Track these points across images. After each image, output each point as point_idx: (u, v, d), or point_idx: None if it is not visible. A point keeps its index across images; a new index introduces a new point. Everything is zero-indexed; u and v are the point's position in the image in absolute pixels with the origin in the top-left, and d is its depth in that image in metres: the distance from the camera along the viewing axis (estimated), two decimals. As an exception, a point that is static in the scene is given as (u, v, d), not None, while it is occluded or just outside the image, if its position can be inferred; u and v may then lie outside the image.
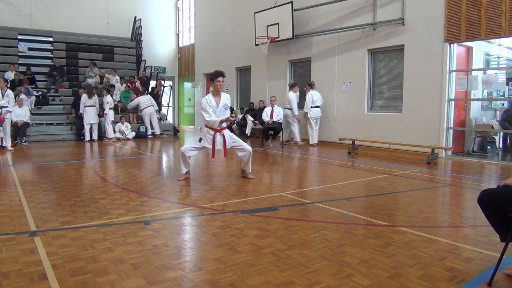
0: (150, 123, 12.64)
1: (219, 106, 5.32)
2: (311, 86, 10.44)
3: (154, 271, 2.54)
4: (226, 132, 5.50)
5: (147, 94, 13.47)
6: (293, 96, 10.30)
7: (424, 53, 8.27)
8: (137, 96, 13.18)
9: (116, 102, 12.77)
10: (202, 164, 7.61)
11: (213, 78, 5.27)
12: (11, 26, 14.35)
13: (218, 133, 5.36)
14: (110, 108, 11.45)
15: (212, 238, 3.18)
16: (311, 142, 10.31)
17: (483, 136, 8.72)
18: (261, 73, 12.90)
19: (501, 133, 8.94)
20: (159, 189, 5.01)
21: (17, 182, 5.39)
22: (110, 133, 11.49)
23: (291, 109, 10.41)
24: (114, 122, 12.24)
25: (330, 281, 2.41)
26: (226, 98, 5.44)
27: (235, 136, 5.67)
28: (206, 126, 5.42)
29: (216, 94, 5.35)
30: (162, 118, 14.19)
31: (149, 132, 12.62)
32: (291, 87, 10.37)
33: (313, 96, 10.19)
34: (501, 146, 9.17)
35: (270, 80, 12.51)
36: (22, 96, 10.71)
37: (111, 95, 12.10)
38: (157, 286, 2.33)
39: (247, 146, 5.51)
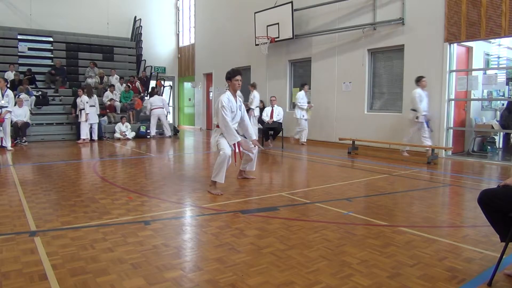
0: (159, 124, 12.74)
1: (237, 107, 4.97)
2: (254, 87, 10.82)
3: (154, 271, 2.54)
4: None
5: (159, 95, 13.61)
6: (421, 93, 7.95)
7: (424, 53, 8.27)
8: (138, 96, 13.25)
9: (112, 101, 12.75)
10: (202, 164, 7.61)
11: (231, 77, 4.89)
12: (11, 26, 14.35)
13: None
14: (81, 109, 10.94)
15: (212, 238, 3.18)
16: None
17: (483, 136, 8.72)
18: (261, 73, 12.90)
19: (502, 133, 8.94)
20: (159, 189, 5.01)
21: (17, 182, 5.39)
22: (83, 134, 11.02)
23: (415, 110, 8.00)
24: (114, 122, 12.25)
25: (330, 281, 2.41)
26: (239, 99, 5.13)
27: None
28: (218, 127, 4.91)
29: (234, 94, 4.96)
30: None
31: (152, 133, 12.59)
32: (417, 81, 8.00)
33: (255, 97, 10.56)
34: (501, 145, 9.15)
35: (270, 80, 12.52)
36: (23, 96, 10.71)
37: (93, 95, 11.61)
38: (157, 286, 2.33)
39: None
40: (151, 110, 12.56)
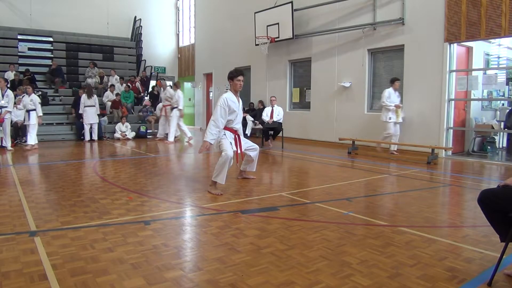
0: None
1: (239, 107, 4.97)
2: (177, 86, 11.08)
3: (154, 271, 2.54)
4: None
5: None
6: None
7: (424, 53, 8.27)
8: (140, 96, 13.41)
9: (117, 97, 12.75)
10: (202, 164, 7.61)
11: (233, 77, 4.86)
12: (11, 26, 14.37)
13: (236, 135, 5.03)
14: (30, 110, 9.36)
15: (212, 238, 3.18)
16: (171, 139, 11.13)
17: (483, 136, 8.72)
18: (261, 73, 12.90)
19: (503, 133, 8.94)
20: (159, 189, 5.01)
21: (17, 182, 5.39)
22: (31, 138, 9.36)
23: None
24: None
25: (330, 281, 2.41)
26: (240, 99, 5.12)
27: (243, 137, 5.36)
28: (225, 128, 4.92)
29: (236, 94, 4.96)
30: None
31: (166, 132, 12.87)
32: None
33: (180, 97, 10.91)
34: (505, 145, 9.13)
35: (270, 80, 12.52)
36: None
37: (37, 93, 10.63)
38: (157, 286, 2.33)
39: (256, 145, 5.34)
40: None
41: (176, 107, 10.97)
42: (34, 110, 9.40)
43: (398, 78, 8.48)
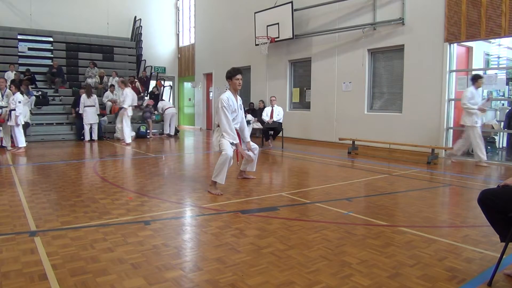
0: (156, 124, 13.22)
1: (238, 106, 4.98)
2: (125, 84, 10.71)
3: (154, 271, 2.54)
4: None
5: (159, 95, 14.33)
6: None
7: (424, 53, 8.27)
8: (140, 96, 13.42)
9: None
10: (202, 164, 7.61)
11: (232, 76, 4.87)
12: (11, 26, 14.37)
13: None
14: (11, 110, 8.53)
15: (212, 238, 3.18)
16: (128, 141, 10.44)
17: (483, 136, 8.70)
18: (261, 73, 12.90)
19: (503, 133, 8.92)
20: (159, 189, 5.01)
21: (17, 182, 5.39)
22: (20, 141, 8.72)
23: None
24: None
25: (330, 281, 2.41)
26: (240, 98, 5.13)
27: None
28: (219, 126, 4.92)
29: (234, 93, 4.95)
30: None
31: (166, 132, 13.16)
32: None
33: (127, 95, 10.46)
34: (505, 145, 9.12)
35: (270, 80, 12.52)
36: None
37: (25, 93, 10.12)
38: (157, 286, 2.33)
39: (255, 145, 5.34)
40: (165, 110, 13.06)
41: (124, 107, 10.46)
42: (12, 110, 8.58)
43: (481, 76, 7.26)
